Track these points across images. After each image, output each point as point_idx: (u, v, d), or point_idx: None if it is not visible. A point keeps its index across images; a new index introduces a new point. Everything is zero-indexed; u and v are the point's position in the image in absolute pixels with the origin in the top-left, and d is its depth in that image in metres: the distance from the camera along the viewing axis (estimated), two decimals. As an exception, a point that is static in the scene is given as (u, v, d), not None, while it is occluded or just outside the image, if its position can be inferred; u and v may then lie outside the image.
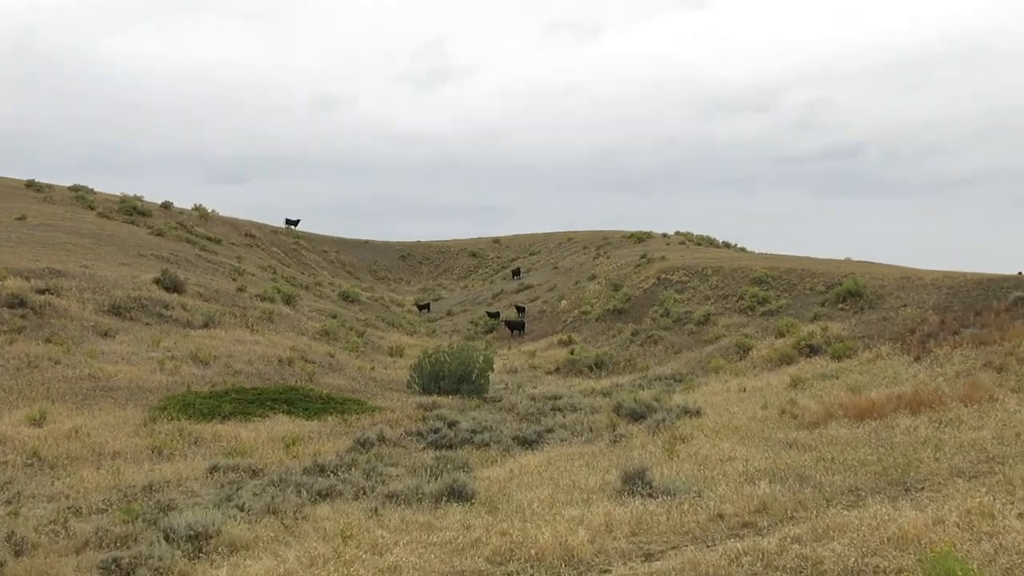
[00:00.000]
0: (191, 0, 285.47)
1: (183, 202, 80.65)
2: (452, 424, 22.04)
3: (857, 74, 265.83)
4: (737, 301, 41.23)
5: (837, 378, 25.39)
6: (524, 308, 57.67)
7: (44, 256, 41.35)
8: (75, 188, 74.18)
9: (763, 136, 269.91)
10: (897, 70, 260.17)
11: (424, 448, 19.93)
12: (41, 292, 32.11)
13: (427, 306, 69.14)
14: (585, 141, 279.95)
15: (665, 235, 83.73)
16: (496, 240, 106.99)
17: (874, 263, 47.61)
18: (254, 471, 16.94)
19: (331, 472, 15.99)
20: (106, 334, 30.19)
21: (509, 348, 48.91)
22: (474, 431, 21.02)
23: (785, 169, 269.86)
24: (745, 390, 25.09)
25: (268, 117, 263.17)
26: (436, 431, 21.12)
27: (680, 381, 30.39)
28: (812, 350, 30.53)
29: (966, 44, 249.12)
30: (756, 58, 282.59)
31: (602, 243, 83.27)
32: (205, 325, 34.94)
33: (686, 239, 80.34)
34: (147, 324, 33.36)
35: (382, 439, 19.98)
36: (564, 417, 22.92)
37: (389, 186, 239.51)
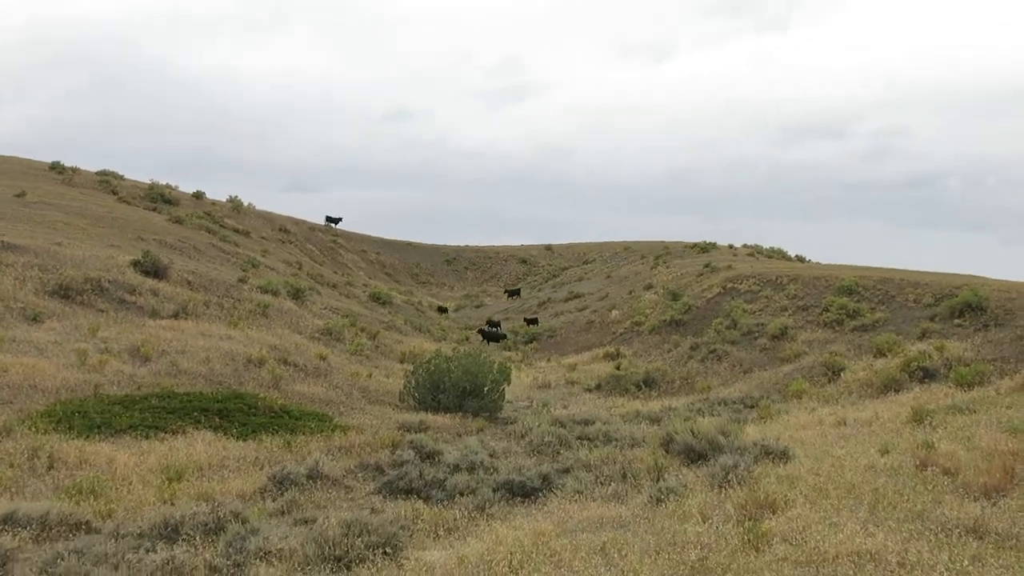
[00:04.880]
0: (278, 14, 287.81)
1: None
2: (429, 456, 15.56)
3: (934, 102, 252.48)
4: (821, 313, 33.84)
5: (975, 412, 18.14)
6: (499, 323, 54.82)
7: (15, 231, 36.36)
8: (103, 173, 70.50)
9: (836, 162, 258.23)
10: (976, 100, 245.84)
11: (372, 493, 13.47)
12: (-23, 267, 26.86)
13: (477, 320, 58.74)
14: (653, 162, 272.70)
15: (731, 246, 76.13)
16: (548, 247, 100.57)
17: (987, 278, 39.56)
18: (79, 526, 10.72)
19: (181, 535, 9.65)
20: (35, 319, 24.61)
21: (548, 360, 42.30)
22: (456, 468, 14.50)
23: (858, 196, 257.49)
24: (845, 423, 18.00)
25: (343, 128, 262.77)
26: (401, 465, 14.64)
27: (752, 407, 23.38)
28: (927, 374, 23.21)
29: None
30: (831, 84, 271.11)
31: (662, 253, 76.17)
32: (175, 315, 29.23)
33: (755, 251, 72.62)
34: (100, 310, 27.76)
35: (315, 476, 13.59)
36: (591, 452, 16.21)
37: (456, 199, 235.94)
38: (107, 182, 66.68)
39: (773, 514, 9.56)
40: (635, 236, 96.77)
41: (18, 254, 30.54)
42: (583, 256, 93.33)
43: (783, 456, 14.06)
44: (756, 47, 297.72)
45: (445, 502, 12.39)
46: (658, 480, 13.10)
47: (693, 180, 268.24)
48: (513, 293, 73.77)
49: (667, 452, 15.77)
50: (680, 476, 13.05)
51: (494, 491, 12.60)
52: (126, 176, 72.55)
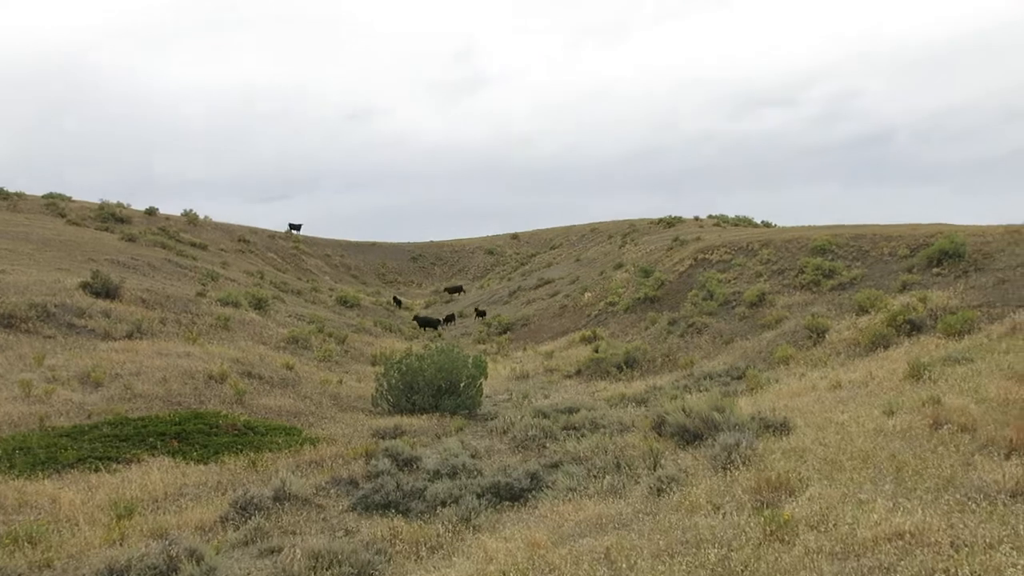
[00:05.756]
0: (219, 20, 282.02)
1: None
2: (407, 463, 14.40)
3: (883, 65, 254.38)
4: (796, 276, 33.14)
5: (973, 361, 17.48)
6: (438, 321, 53.99)
7: (-44, 264, 34.48)
8: (49, 196, 68.21)
9: (789, 129, 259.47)
10: (924, 60, 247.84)
11: (346, 510, 12.28)
12: (-90, 304, 25.14)
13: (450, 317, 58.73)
14: (613, 143, 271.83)
15: (697, 218, 75.66)
16: (515, 236, 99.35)
17: (957, 224, 39.18)
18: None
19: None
20: (-23, 353, 23.03)
21: (524, 350, 41.29)
22: (436, 475, 13.38)
23: (813, 161, 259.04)
24: (840, 386, 17.15)
25: (303, 134, 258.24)
26: (376, 477, 13.47)
27: (739, 378, 22.52)
28: (914, 327, 22.52)
29: (996, 26, 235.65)
30: (781, 54, 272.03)
31: (628, 231, 75.44)
32: (129, 335, 27.69)
33: (720, 221, 72.14)
34: (48, 337, 26.13)
35: (282, 497, 12.38)
36: (579, 442, 15.14)
37: (420, 195, 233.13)
38: (54, 205, 64.37)
39: (790, 496, 8.57)
40: (600, 218, 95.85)
41: (-45, 286, 28.78)
42: (550, 242, 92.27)
43: (783, 428, 13.17)
44: (706, 22, 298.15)
45: (426, 515, 11.25)
46: (655, 468, 12.11)
47: (654, 159, 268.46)
48: (454, 290, 72.71)
49: (660, 435, 14.85)
50: (678, 461, 12.08)
51: (479, 497, 11.46)
52: (75, 198, 70.24)
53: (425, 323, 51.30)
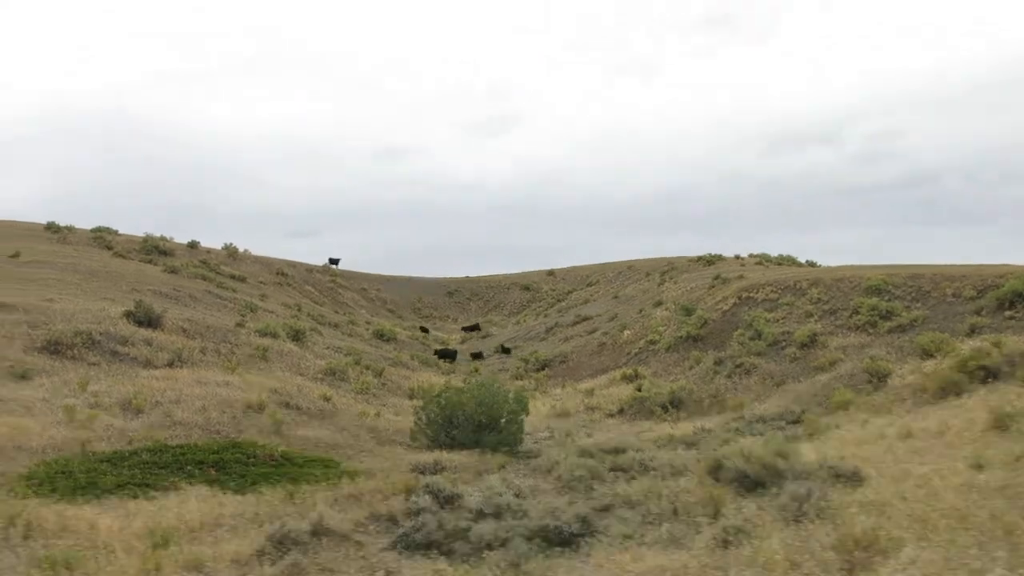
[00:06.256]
0: (263, 67, 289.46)
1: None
2: (448, 501, 13.78)
3: (927, 101, 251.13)
4: (850, 316, 32.10)
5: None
6: (456, 352, 55.55)
7: (6, 291, 34.87)
8: (96, 229, 69.51)
9: (830, 169, 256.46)
10: (969, 95, 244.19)
11: (386, 549, 11.68)
12: (-42, 327, 25.32)
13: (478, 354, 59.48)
14: (646, 181, 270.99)
15: (738, 256, 74.53)
16: (550, 272, 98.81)
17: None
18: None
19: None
20: (23, 376, 22.97)
21: (563, 387, 40.49)
22: (480, 514, 12.74)
23: (855, 200, 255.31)
24: (912, 435, 16.19)
25: (339, 170, 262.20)
26: (416, 514, 12.87)
27: (796, 423, 21.58)
28: (989, 373, 21.33)
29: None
30: (820, 91, 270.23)
31: (667, 268, 74.59)
32: (170, 364, 27.59)
33: (763, 260, 70.93)
34: (92, 363, 26.09)
35: (320, 532, 11.82)
36: (630, 485, 14.42)
37: (454, 232, 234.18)
38: (101, 238, 65.61)
39: (883, 558, 7.78)
40: (632, 256, 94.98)
41: (7, 312, 29.07)
42: (586, 279, 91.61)
43: (855, 478, 12.36)
44: (743, 58, 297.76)
45: (471, 558, 10.61)
46: (716, 516, 11.34)
47: (688, 197, 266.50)
48: (471, 329, 73.25)
49: (716, 481, 14.02)
50: (741, 510, 11.28)
51: (527, 540, 10.79)
52: (121, 231, 71.43)
53: (444, 355, 52.37)
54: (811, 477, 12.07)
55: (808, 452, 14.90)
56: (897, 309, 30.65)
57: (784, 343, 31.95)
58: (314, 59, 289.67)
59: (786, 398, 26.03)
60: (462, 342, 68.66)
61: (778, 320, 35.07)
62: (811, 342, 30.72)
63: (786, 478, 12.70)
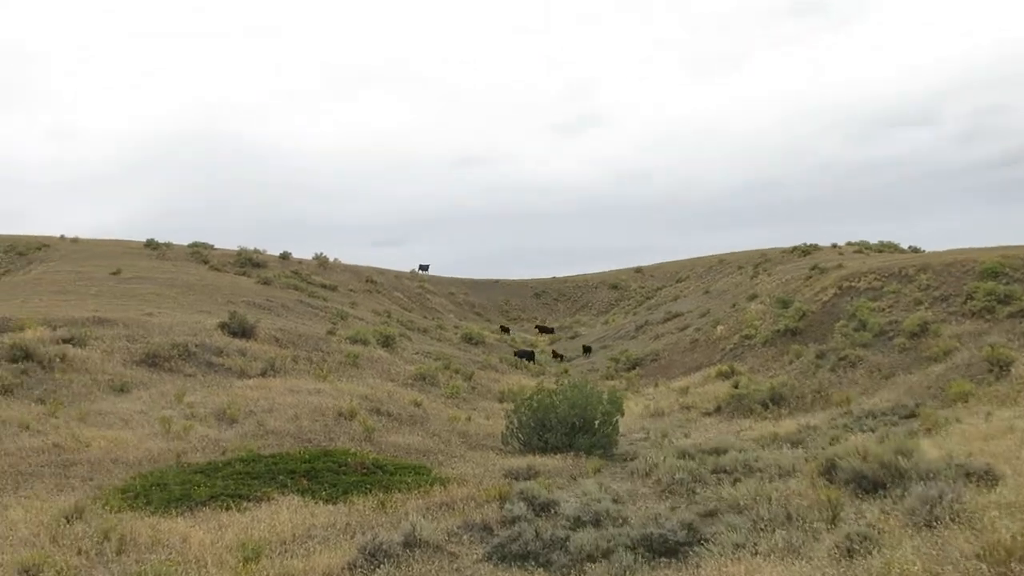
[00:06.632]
0: (349, 84, 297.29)
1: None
2: (544, 508, 13.22)
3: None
4: (964, 303, 30.07)
5: None
6: (533, 352, 55.39)
7: (108, 307, 36.23)
8: (194, 244, 71.87)
9: (926, 151, 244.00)
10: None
11: (481, 560, 11.19)
12: (65, 342, 26.24)
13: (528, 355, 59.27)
14: (731, 175, 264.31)
15: (835, 245, 71.39)
16: (638, 270, 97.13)
17: None
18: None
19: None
20: (122, 389, 23.63)
21: (656, 386, 39.41)
22: (578, 522, 12.12)
23: (954, 182, 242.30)
24: (1046, 428, 14.78)
25: (424, 178, 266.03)
26: (512, 523, 12.34)
27: (910, 417, 20.17)
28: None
29: None
30: (913, 71, 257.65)
31: (760, 261, 72.13)
32: (263, 373, 27.99)
33: (862, 247, 67.77)
34: (188, 375, 26.69)
35: (412, 543, 11.43)
36: (735, 488, 13.53)
37: (537, 234, 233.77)
38: (198, 253, 67.80)
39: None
40: (720, 250, 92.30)
41: (108, 327, 30.05)
42: (675, 275, 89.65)
43: (988, 477, 11.21)
44: (831, 44, 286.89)
45: (572, 569, 10.00)
46: (834, 521, 10.43)
47: (778, 188, 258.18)
48: (546, 331, 73.25)
49: (830, 482, 13.02)
50: (863, 515, 10.33)
51: (631, 550, 10.11)
52: (217, 246, 73.79)
53: (522, 355, 52.09)
54: (938, 477, 10.99)
55: (930, 449, 13.71)
56: (1017, 293, 28.50)
57: (892, 333, 30.16)
58: (392, 69, 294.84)
59: (896, 391, 24.46)
60: (550, 343, 68.12)
61: (884, 309, 33.19)
62: (921, 331, 28.87)
63: (910, 478, 11.64)
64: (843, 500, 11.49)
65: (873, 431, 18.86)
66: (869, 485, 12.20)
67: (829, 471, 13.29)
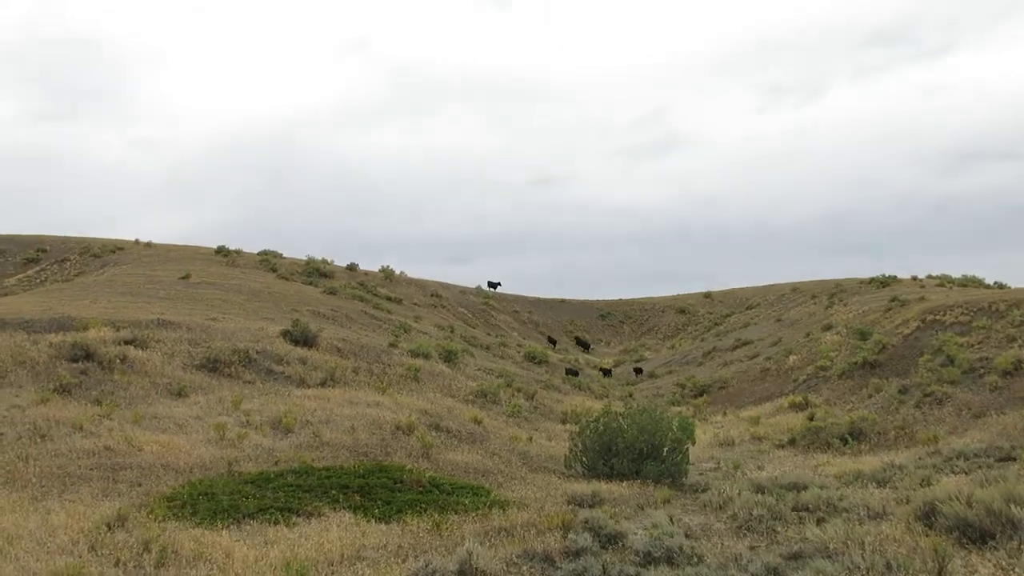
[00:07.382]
0: (424, 101, 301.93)
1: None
2: (610, 540, 12.27)
3: None
4: (1064, 341, 27.98)
5: None
6: (578, 371, 54.18)
7: (175, 310, 36.60)
8: (263, 253, 72.72)
9: (1013, 185, 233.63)
10: None
11: (542, 595, 10.30)
12: (127, 343, 26.35)
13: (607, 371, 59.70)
14: (809, 204, 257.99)
15: (915, 278, 68.40)
16: (707, 295, 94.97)
17: None
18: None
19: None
20: (179, 393, 23.49)
21: (724, 414, 37.91)
22: (648, 558, 11.14)
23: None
24: None
25: (492, 198, 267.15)
26: (576, 556, 11.42)
27: (1007, 460, 18.54)
28: None
29: None
30: (1001, 103, 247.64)
31: (835, 291, 69.64)
32: (322, 383, 27.64)
33: (944, 280, 64.74)
34: (247, 382, 26.50)
35: (467, 572, 10.61)
36: (822, 529, 12.35)
37: (607, 257, 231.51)
38: (267, 261, 68.55)
39: None
40: (793, 279, 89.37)
41: (171, 330, 30.17)
42: (745, 301, 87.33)
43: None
44: (915, 76, 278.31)
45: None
46: (941, 574, 9.23)
47: (854, 219, 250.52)
48: (583, 345, 74.46)
49: (928, 527, 11.76)
50: (975, 569, 9.13)
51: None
52: (286, 255, 74.70)
53: (569, 371, 51.97)
54: (1062, 531, 9.70)
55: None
56: (1123, 331, 26.39)
57: (982, 370, 28.23)
58: (465, 86, 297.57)
59: (989, 431, 22.70)
60: (615, 364, 66.72)
61: (973, 345, 31.21)
62: (1016, 369, 26.93)
63: (1022, 529, 10.36)
64: (945, 550, 10.25)
65: (967, 473, 17.36)
66: (975, 534, 10.94)
67: (928, 516, 12.02)
